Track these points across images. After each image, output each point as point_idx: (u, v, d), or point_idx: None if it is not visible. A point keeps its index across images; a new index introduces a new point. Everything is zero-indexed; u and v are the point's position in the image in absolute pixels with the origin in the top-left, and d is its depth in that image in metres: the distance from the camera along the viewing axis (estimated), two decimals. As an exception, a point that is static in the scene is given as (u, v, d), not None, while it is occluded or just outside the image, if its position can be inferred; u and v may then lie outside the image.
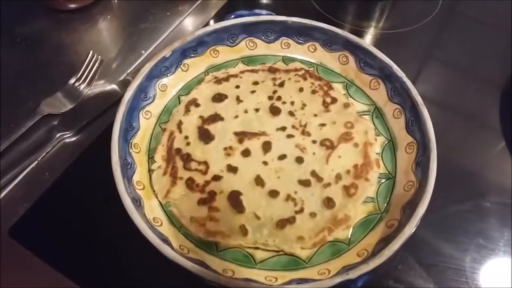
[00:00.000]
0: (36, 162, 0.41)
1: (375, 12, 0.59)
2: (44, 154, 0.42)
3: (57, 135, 0.43)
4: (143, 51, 0.49)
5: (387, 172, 0.41)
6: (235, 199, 0.38)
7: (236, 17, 0.46)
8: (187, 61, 0.45)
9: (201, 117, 0.43)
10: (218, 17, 0.52)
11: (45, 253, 0.37)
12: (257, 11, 0.47)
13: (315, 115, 0.44)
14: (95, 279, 0.36)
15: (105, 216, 0.38)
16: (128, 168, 0.38)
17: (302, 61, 0.48)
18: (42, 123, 0.43)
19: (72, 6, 0.51)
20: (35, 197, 0.39)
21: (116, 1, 0.54)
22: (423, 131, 0.40)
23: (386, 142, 0.43)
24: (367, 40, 0.55)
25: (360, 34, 0.55)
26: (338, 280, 0.32)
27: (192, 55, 0.45)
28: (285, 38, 0.47)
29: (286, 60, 0.48)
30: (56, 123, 0.43)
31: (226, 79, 0.45)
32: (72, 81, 0.45)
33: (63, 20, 0.51)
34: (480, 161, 0.46)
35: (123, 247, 0.37)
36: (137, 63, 0.49)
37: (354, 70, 0.46)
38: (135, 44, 0.50)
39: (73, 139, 0.43)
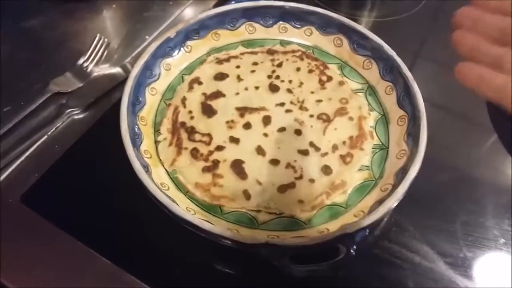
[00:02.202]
0: (46, 136, 0.43)
1: (366, 2, 0.62)
2: (53, 129, 0.44)
3: (66, 111, 0.45)
4: (147, 37, 0.51)
5: (380, 143, 0.44)
6: (238, 166, 0.40)
7: (236, 2, 0.49)
8: (190, 43, 0.48)
9: (204, 93, 0.45)
10: (217, 6, 0.54)
11: (56, 218, 0.38)
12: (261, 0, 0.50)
13: (312, 92, 0.46)
14: (105, 241, 0.38)
15: (114, 183, 0.40)
16: (136, 138, 0.40)
17: (298, 44, 0.50)
18: (51, 101, 0.45)
19: (79, -4, 0.54)
20: (45, 167, 0.41)
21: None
22: (414, 104, 0.42)
23: (379, 117, 0.45)
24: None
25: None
26: (336, 233, 0.34)
27: (195, 37, 0.48)
28: (282, 22, 0.50)
29: (284, 43, 0.50)
30: (65, 101, 0.45)
31: (227, 60, 0.48)
32: (80, 61, 0.47)
33: (71, 9, 0.54)
34: (469, 156, 0.48)
35: (131, 211, 0.39)
36: (141, 47, 0.51)
37: (348, 51, 0.49)
38: (139, 30, 0.52)
39: (81, 116, 0.45)
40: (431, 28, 0.60)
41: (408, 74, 0.44)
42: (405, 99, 0.44)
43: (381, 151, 0.43)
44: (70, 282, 0.36)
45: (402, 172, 0.39)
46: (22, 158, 0.42)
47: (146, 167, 0.38)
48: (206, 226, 0.34)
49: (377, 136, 0.44)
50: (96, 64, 0.48)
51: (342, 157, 0.42)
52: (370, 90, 0.47)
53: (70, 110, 0.45)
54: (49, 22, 0.52)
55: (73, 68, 0.47)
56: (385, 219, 0.41)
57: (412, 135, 0.41)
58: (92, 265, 0.37)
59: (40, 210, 0.39)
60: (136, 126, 0.41)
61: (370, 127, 0.45)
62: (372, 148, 0.43)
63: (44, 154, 0.42)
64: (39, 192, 0.40)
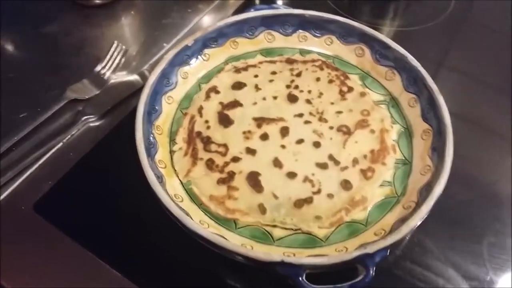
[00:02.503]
0: (61, 143, 0.43)
1: (388, 11, 0.60)
2: (69, 136, 0.43)
3: (82, 118, 0.44)
4: (165, 44, 0.51)
5: (403, 158, 0.42)
6: (253, 179, 0.39)
7: (255, 10, 0.48)
8: (208, 51, 0.47)
9: (221, 103, 0.44)
10: (236, 14, 0.54)
11: (68, 227, 0.38)
12: (275, 5, 0.48)
13: (332, 103, 0.45)
14: (115, 252, 0.37)
15: (127, 194, 0.39)
16: (150, 147, 0.39)
17: (319, 54, 0.49)
18: (68, 108, 0.45)
19: (98, 1, 0.53)
20: (59, 175, 0.40)
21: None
22: (439, 117, 0.41)
23: (402, 130, 0.44)
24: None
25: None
26: (356, 254, 0.32)
27: (213, 45, 0.47)
28: (302, 31, 0.49)
29: (303, 52, 0.49)
30: (81, 108, 0.45)
31: (245, 69, 0.47)
32: (97, 68, 0.47)
33: (89, 15, 0.53)
34: (496, 172, 0.46)
35: (145, 222, 0.38)
36: (159, 55, 0.50)
37: (370, 62, 0.48)
38: (157, 38, 0.52)
39: (97, 123, 0.45)
40: (455, 38, 0.58)
41: (433, 86, 0.42)
42: (430, 112, 0.42)
43: (404, 166, 0.41)
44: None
45: (427, 189, 0.37)
46: (37, 165, 0.41)
47: (160, 178, 0.37)
48: (219, 241, 0.33)
49: (400, 150, 0.42)
50: (114, 71, 0.47)
51: (363, 172, 0.40)
52: (393, 102, 0.46)
53: (86, 117, 0.44)
54: (67, 28, 0.52)
55: (90, 74, 0.47)
56: (407, 238, 0.39)
57: (437, 150, 0.39)
58: (99, 275, 0.36)
59: (52, 219, 0.38)
60: (152, 135, 0.40)
61: (393, 140, 0.43)
62: (395, 163, 0.41)
63: (58, 161, 0.42)
64: (52, 200, 0.39)
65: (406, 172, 0.41)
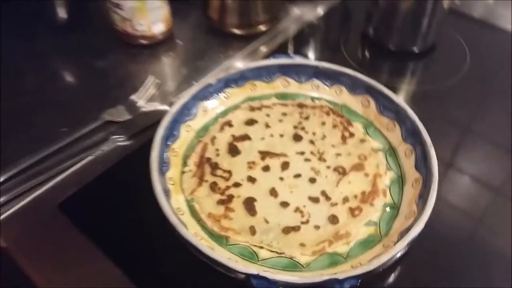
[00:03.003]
0: (92, 156, 0.49)
1: (404, 69, 0.64)
2: (99, 151, 0.50)
3: (113, 137, 0.51)
4: (194, 82, 0.57)
5: (392, 203, 0.45)
6: (249, 204, 0.43)
7: (274, 58, 0.54)
8: (228, 90, 0.53)
9: (232, 135, 0.49)
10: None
11: (87, 227, 0.43)
12: (292, 55, 0.54)
13: (333, 145, 0.49)
14: (125, 256, 0.42)
15: (142, 204, 0.44)
16: (164, 165, 0.45)
17: (328, 101, 0.54)
18: (102, 128, 0.52)
19: (143, 42, 0.62)
20: (85, 182, 0.47)
21: (180, 42, 0.64)
22: (429, 168, 0.44)
23: (396, 177, 0.47)
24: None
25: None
26: (326, 278, 0.35)
27: (233, 86, 0.53)
28: (315, 80, 0.54)
29: (314, 99, 0.54)
30: (113, 129, 0.52)
31: (259, 108, 0.52)
32: (132, 97, 0.54)
33: (134, 53, 0.62)
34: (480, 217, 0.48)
35: (153, 232, 0.43)
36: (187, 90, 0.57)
37: (374, 112, 0.52)
38: (189, 76, 0.59)
39: (125, 143, 0.51)
40: (468, 97, 0.61)
41: (427, 139, 0.46)
42: (422, 162, 0.45)
43: (392, 210, 0.44)
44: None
45: (406, 231, 0.40)
46: (68, 172, 0.48)
47: (167, 192, 0.43)
48: (206, 251, 0.37)
49: (391, 195, 0.45)
50: (146, 100, 0.55)
51: (351, 210, 0.43)
52: (391, 151, 0.49)
53: (116, 137, 0.51)
54: (113, 62, 0.61)
55: (125, 102, 0.54)
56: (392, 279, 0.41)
57: (423, 198, 0.42)
58: (109, 276, 0.41)
59: (73, 218, 0.44)
60: (166, 156, 0.46)
61: (385, 185, 0.46)
62: (383, 206, 0.44)
63: (86, 171, 0.48)
64: (75, 202, 0.45)
65: (393, 215, 0.44)
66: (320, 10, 0.72)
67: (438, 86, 0.61)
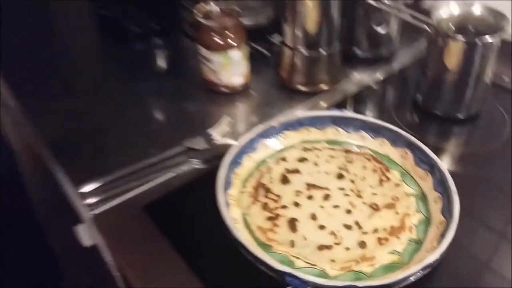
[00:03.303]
0: (173, 173, 0.61)
1: (449, 133, 0.71)
2: (179, 170, 0.62)
3: (191, 160, 0.63)
4: (260, 124, 0.69)
5: (417, 239, 0.51)
6: (292, 223, 0.52)
7: (329, 109, 0.64)
8: (286, 132, 0.64)
9: (285, 168, 0.59)
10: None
11: (162, 226, 0.54)
12: (344, 109, 0.65)
13: (371, 186, 0.57)
14: (194, 255, 0.52)
15: (210, 212, 0.54)
16: (227, 185, 0.55)
17: (371, 150, 0.62)
18: (183, 152, 0.64)
19: (224, 90, 0.75)
20: (165, 192, 0.58)
21: (253, 93, 0.77)
22: (451, 213, 0.50)
23: (423, 219, 0.53)
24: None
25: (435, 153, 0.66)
26: (347, 283, 0.43)
27: (291, 129, 0.64)
28: (362, 131, 0.64)
29: (359, 147, 0.63)
30: (192, 154, 0.64)
31: (311, 149, 0.62)
32: (210, 131, 0.67)
33: (215, 98, 0.75)
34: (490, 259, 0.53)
35: (215, 234, 0.52)
36: (254, 131, 0.69)
37: (411, 163, 0.59)
38: (257, 120, 0.70)
39: (200, 166, 0.63)
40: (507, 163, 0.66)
41: (453, 188, 0.52)
42: (447, 208, 0.52)
43: (416, 244, 0.51)
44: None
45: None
46: (152, 183, 0.60)
47: (227, 205, 0.53)
48: (253, 249, 0.46)
49: (416, 232, 0.52)
50: (220, 135, 0.67)
51: (379, 239, 0.51)
52: (422, 197, 0.56)
53: (194, 160, 0.63)
54: (198, 103, 0.75)
55: (204, 134, 0.66)
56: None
57: (444, 236, 0.49)
58: (182, 279, 0.50)
59: (154, 219, 0.55)
60: (230, 178, 0.57)
61: (413, 224, 0.53)
62: (408, 240, 0.51)
63: (168, 183, 0.60)
64: (156, 206, 0.57)
65: (416, 249, 0.50)
66: (380, 76, 0.82)
67: (479, 149, 0.67)
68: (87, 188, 0.60)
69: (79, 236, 0.77)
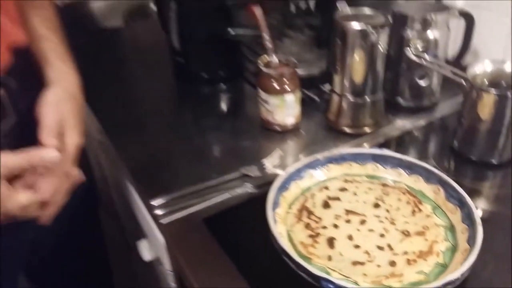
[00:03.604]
0: (228, 194, 0.71)
1: (483, 177, 0.76)
2: (236, 192, 0.72)
3: (246, 184, 0.73)
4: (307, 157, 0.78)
5: (443, 263, 0.57)
6: (331, 241, 0.60)
7: (369, 148, 0.72)
8: (330, 165, 0.72)
9: (327, 196, 0.67)
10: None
11: (218, 236, 0.64)
12: (384, 149, 0.72)
13: (404, 216, 0.64)
14: (246, 262, 0.60)
15: (259, 227, 0.62)
16: (275, 205, 0.64)
17: (406, 185, 0.69)
18: (239, 178, 0.74)
19: (277, 128, 0.86)
20: (221, 209, 0.68)
21: (303, 132, 0.87)
22: (475, 240, 0.56)
23: (451, 246, 0.59)
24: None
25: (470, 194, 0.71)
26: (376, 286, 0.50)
27: (334, 163, 0.72)
28: (399, 169, 0.71)
29: (396, 182, 0.70)
30: (247, 180, 0.74)
31: (351, 181, 0.70)
32: (263, 161, 0.77)
33: (269, 134, 0.86)
34: None
35: (263, 244, 0.61)
36: (302, 164, 0.78)
37: (443, 199, 0.65)
38: (306, 155, 0.80)
39: (253, 190, 0.72)
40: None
41: (479, 221, 0.58)
42: (472, 239, 0.57)
43: (442, 268, 0.56)
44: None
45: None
46: (212, 200, 0.70)
47: (274, 221, 0.62)
48: (294, 256, 0.54)
49: (443, 257, 0.58)
50: (271, 165, 0.76)
51: (408, 260, 0.57)
52: (451, 228, 0.62)
53: (248, 184, 0.73)
54: (254, 137, 0.86)
55: (257, 163, 0.76)
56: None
57: (466, 262, 0.54)
58: (234, 283, 0.59)
59: (212, 230, 0.65)
60: (278, 199, 0.66)
61: (440, 250, 0.58)
62: (435, 263, 0.57)
63: (225, 202, 0.70)
64: (215, 220, 0.67)
65: (442, 271, 0.56)
66: (421, 123, 0.89)
67: (510, 192, 0.72)
68: (157, 202, 0.71)
69: (140, 250, 0.89)
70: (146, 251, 0.89)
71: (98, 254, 1.10)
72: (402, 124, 0.89)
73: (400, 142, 0.85)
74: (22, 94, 0.68)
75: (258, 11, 0.85)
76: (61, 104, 0.63)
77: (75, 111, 0.65)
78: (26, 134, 0.64)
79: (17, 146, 0.64)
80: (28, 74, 0.69)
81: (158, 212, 0.69)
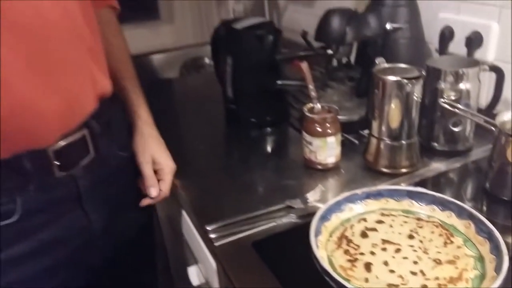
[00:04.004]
0: (274, 223, 0.80)
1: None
2: (281, 221, 0.80)
3: (290, 215, 0.81)
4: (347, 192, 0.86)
5: (472, 289, 0.62)
6: (368, 266, 0.66)
7: (404, 186, 0.79)
8: (368, 200, 0.79)
9: (365, 226, 0.74)
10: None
11: (265, 259, 0.72)
12: (418, 187, 0.79)
13: (436, 246, 0.69)
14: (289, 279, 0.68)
15: (302, 251, 0.70)
16: (317, 233, 0.72)
17: (439, 220, 0.75)
18: (284, 209, 0.83)
19: (319, 167, 0.94)
20: (267, 235, 0.76)
21: (343, 171, 0.95)
22: (501, 270, 0.61)
23: (479, 274, 0.64)
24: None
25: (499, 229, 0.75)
26: (407, 306, 0.55)
27: (372, 198, 0.80)
28: (432, 205, 0.77)
29: (429, 217, 0.76)
30: (291, 211, 0.82)
31: (388, 215, 0.77)
32: (305, 195, 0.85)
33: (311, 172, 0.95)
34: None
35: (306, 267, 0.69)
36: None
37: (473, 232, 0.71)
38: (344, 190, 0.87)
39: (297, 220, 0.80)
40: None
41: (505, 251, 0.63)
42: (499, 267, 0.62)
43: (471, 293, 0.61)
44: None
45: (475, 302, 0.57)
46: (260, 227, 0.79)
47: (316, 246, 0.69)
48: (331, 272, 0.61)
49: (472, 284, 0.63)
50: (313, 199, 0.84)
51: (439, 285, 0.62)
52: (480, 258, 0.67)
53: (292, 215, 0.81)
54: (298, 174, 0.95)
55: (301, 197, 0.85)
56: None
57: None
58: None
59: (259, 253, 0.73)
60: (320, 228, 0.73)
61: (469, 277, 0.64)
62: (464, 289, 0.62)
63: (270, 229, 0.78)
64: (262, 244, 0.75)
65: (471, 296, 0.61)
66: (456, 164, 0.95)
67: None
68: (211, 227, 0.80)
69: (190, 276, 0.97)
70: (195, 276, 0.97)
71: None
72: (437, 166, 0.95)
73: (435, 183, 0.91)
74: (101, 135, 0.81)
75: (304, 65, 0.97)
76: (149, 141, 0.79)
77: (160, 143, 0.81)
78: (101, 167, 0.81)
79: (93, 176, 0.79)
80: (107, 118, 0.82)
81: (212, 235, 0.79)
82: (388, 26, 1.07)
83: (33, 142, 0.70)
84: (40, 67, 0.67)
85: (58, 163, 0.73)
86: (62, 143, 0.73)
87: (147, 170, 0.88)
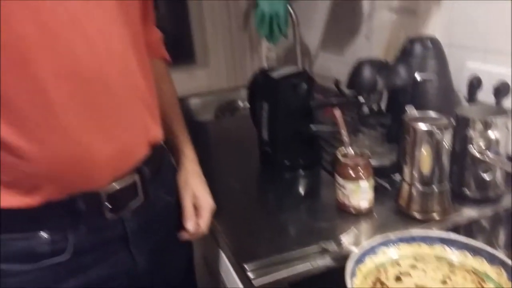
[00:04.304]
0: (310, 265, 0.83)
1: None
2: (316, 263, 0.83)
3: (325, 257, 0.84)
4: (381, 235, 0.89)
5: (506, 336, 0.64)
6: (401, 309, 0.69)
7: (436, 232, 0.82)
8: (401, 244, 0.82)
9: (399, 271, 0.77)
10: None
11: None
12: (451, 233, 0.82)
13: (468, 292, 0.71)
14: None
15: None
16: (353, 275, 0.75)
17: (471, 266, 0.77)
18: (319, 251, 0.86)
19: (352, 211, 0.98)
20: (304, 276, 0.80)
21: (376, 216, 0.98)
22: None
23: (512, 320, 0.66)
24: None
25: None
26: None
27: (405, 242, 0.82)
28: (464, 251, 0.79)
29: (462, 263, 0.78)
30: (326, 253, 0.86)
31: (420, 260, 0.79)
32: (340, 237, 0.88)
33: (344, 215, 0.98)
34: None
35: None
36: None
37: (505, 279, 0.72)
38: (376, 233, 0.90)
39: (332, 263, 0.84)
40: None
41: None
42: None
43: None
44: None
45: None
46: (295, 269, 0.82)
47: (351, 284, 0.72)
48: (369, 318, 0.64)
49: (505, 330, 0.64)
50: (347, 241, 0.88)
51: (471, 328, 0.64)
52: (512, 305, 0.69)
53: (327, 257, 0.85)
54: (332, 218, 0.98)
55: (335, 239, 0.88)
56: None
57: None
58: None
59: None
60: (355, 271, 0.76)
61: (502, 322, 0.65)
62: (498, 335, 0.64)
63: (306, 270, 0.82)
64: (298, 285, 0.78)
65: None
66: (488, 212, 0.97)
67: None
68: (249, 266, 0.84)
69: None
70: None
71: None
72: (468, 213, 0.97)
73: (467, 229, 0.93)
74: (151, 180, 0.88)
75: (337, 112, 1.03)
76: (193, 176, 0.85)
77: (202, 181, 0.87)
78: (149, 210, 0.87)
79: (140, 219, 0.85)
80: (157, 164, 0.89)
81: (250, 274, 0.82)
82: (418, 77, 1.12)
83: (87, 185, 0.77)
84: (97, 117, 0.74)
85: (109, 206, 0.79)
86: (115, 186, 0.79)
87: (187, 203, 0.94)
